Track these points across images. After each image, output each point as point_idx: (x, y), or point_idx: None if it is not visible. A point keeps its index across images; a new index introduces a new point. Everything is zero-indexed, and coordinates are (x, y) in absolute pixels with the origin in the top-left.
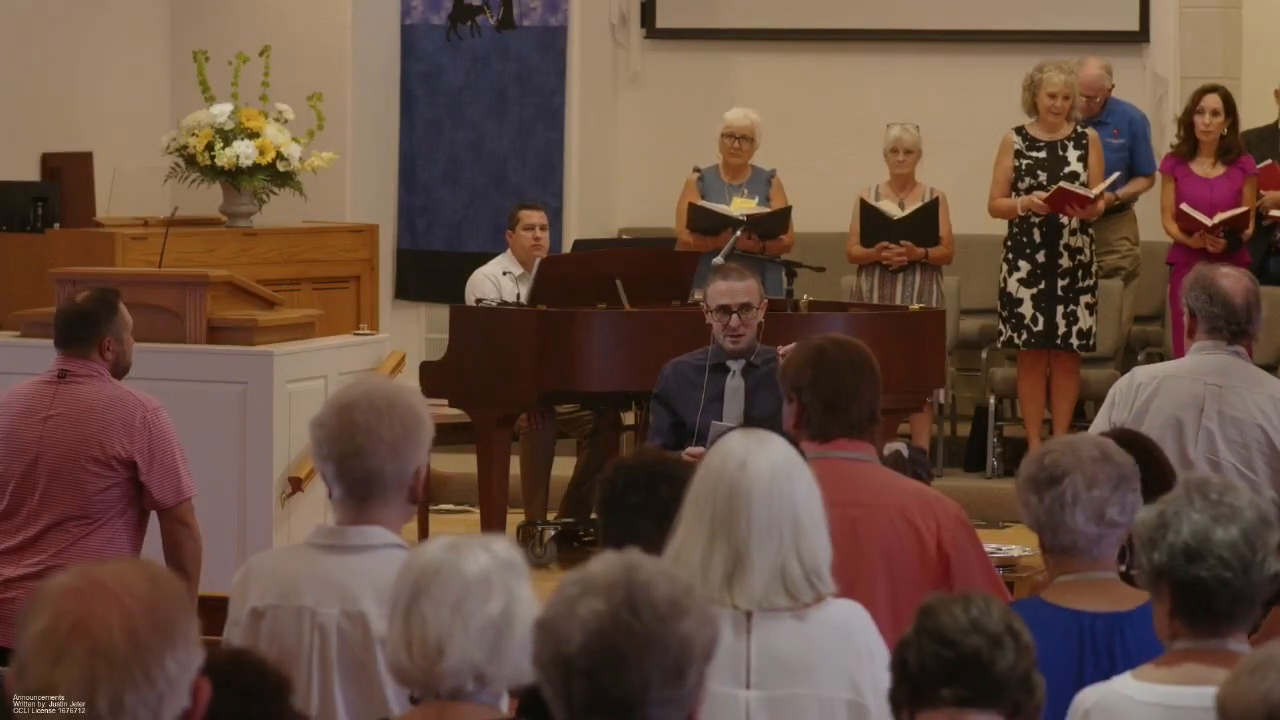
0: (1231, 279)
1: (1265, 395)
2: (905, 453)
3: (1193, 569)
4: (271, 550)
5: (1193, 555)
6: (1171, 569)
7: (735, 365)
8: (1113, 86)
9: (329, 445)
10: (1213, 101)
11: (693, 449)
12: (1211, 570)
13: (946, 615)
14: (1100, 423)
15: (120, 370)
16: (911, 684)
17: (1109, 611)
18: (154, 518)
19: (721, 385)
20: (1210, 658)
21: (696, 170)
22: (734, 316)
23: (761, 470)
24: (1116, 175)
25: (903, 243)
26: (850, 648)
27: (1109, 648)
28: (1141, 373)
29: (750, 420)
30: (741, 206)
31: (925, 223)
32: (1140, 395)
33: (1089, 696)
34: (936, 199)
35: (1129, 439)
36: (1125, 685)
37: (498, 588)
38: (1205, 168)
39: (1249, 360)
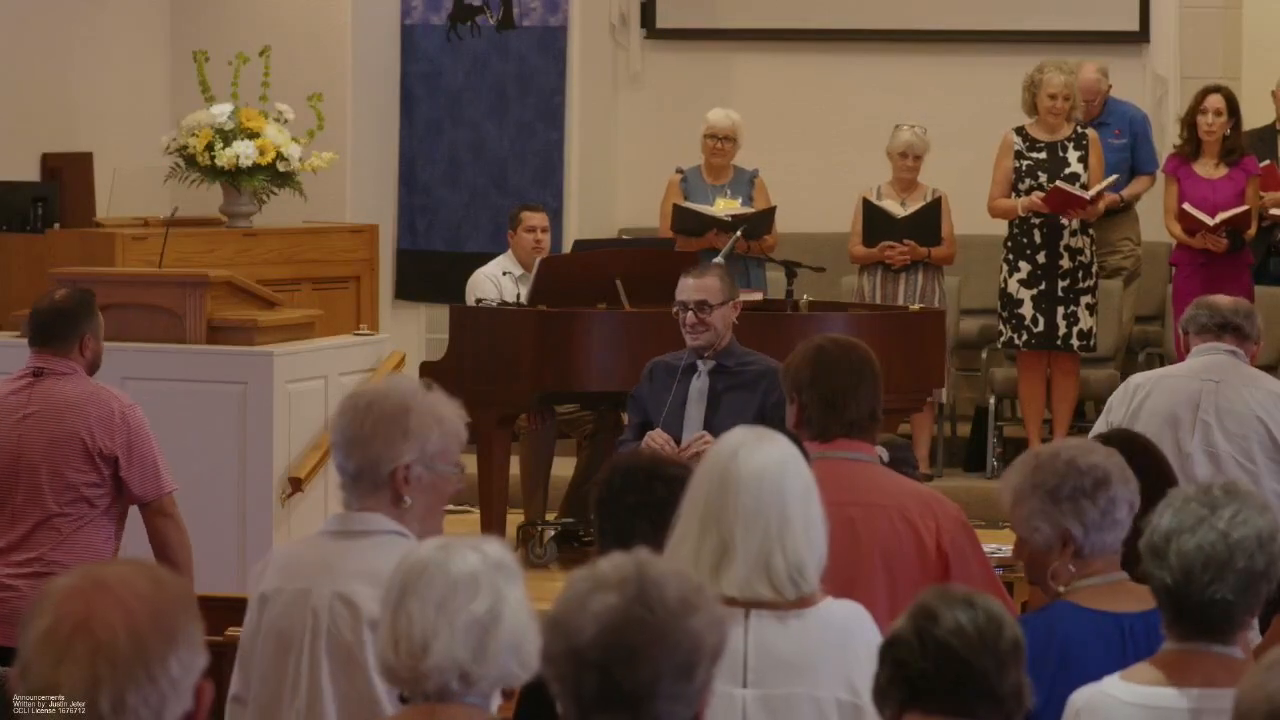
0: (1223, 296)
1: (1263, 390)
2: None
3: (1193, 587)
4: (293, 540)
5: (1192, 573)
6: (1175, 584)
7: (704, 366)
8: (1110, 88)
9: (331, 433)
10: (1216, 102)
11: (654, 434)
12: (1214, 590)
13: (951, 622)
14: (1099, 430)
15: (93, 369)
16: (910, 687)
17: (1144, 610)
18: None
19: (689, 387)
20: (1191, 660)
21: (679, 171)
22: (690, 314)
23: (753, 462)
24: (1116, 177)
25: (906, 241)
26: (849, 649)
27: (1149, 647)
28: (1138, 377)
29: (710, 427)
30: (725, 207)
31: (928, 222)
32: (1136, 397)
33: (1081, 696)
34: (939, 199)
35: (1127, 439)
36: (1112, 685)
37: (485, 588)
38: (1208, 168)
39: (1246, 362)
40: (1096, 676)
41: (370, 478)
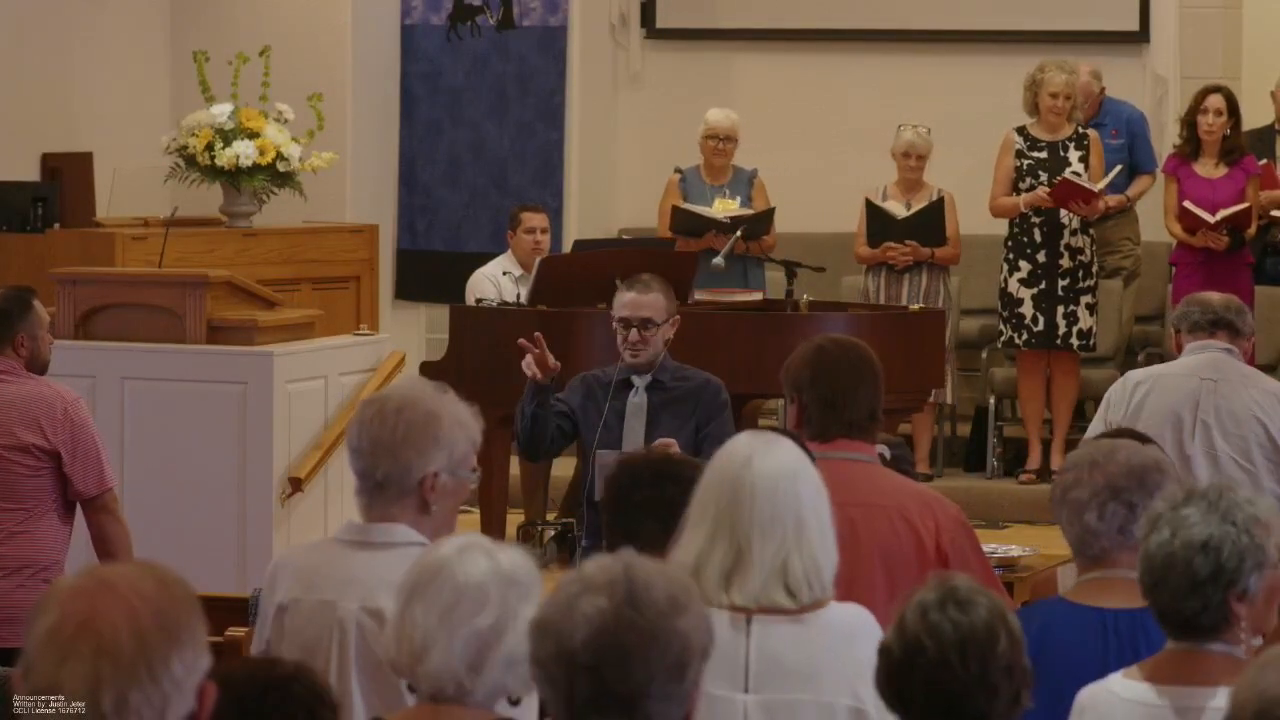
0: (1214, 293)
1: (1260, 390)
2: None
3: (1154, 589)
4: (301, 545)
5: (1153, 574)
6: (1145, 586)
7: (640, 382)
8: (1103, 89)
9: (350, 437)
10: (1216, 102)
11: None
12: (1163, 594)
13: (936, 652)
14: (1096, 426)
15: (37, 366)
16: (902, 702)
17: (1131, 608)
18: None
19: (624, 403)
20: (1191, 659)
21: (678, 171)
22: (633, 330)
23: (767, 468)
24: (1119, 169)
25: (907, 242)
26: (853, 655)
27: (1134, 643)
28: (1136, 374)
29: (649, 443)
30: (724, 208)
31: (930, 223)
32: (1136, 394)
33: (1086, 693)
34: (941, 199)
35: (1128, 438)
36: (1115, 683)
37: (493, 601)
38: (1208, 168)
39: (1241, 359)
40: (1070, 670)
41: (398, 485)
